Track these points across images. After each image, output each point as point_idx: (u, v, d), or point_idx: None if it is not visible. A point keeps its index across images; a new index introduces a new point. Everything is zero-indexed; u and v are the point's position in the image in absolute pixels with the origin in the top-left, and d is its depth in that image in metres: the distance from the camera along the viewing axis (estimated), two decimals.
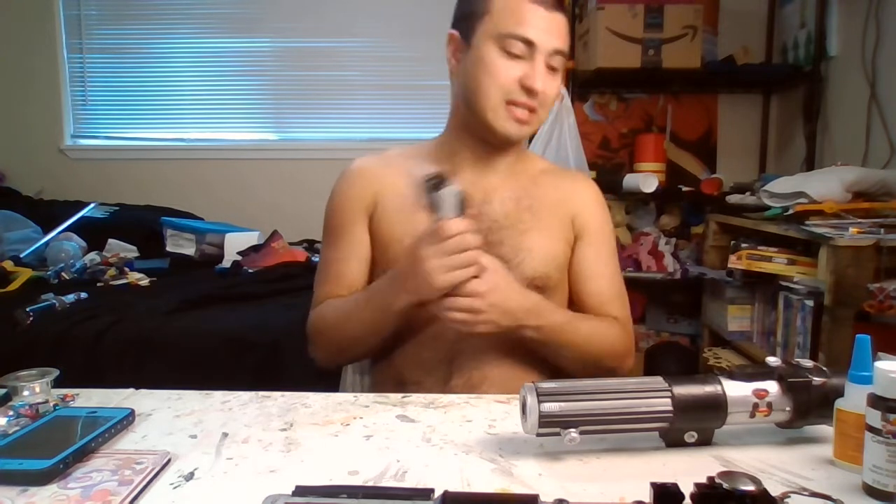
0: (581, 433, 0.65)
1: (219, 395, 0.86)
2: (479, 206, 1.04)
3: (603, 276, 1.08)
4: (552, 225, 1.06)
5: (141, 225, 2.61)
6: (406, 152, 1.12)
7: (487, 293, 0.90)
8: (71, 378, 0.86)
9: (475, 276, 0.90)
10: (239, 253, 2.30)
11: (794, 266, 1.89)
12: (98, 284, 2.07)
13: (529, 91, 0.97)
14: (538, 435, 0.66)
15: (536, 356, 1.03)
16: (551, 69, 0.99)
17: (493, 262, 0.93)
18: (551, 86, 1.00)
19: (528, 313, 0.95)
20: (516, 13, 0.97)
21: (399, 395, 0.87)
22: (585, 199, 1.11)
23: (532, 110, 0.99)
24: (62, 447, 0.65)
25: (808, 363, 0.71)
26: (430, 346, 1.01)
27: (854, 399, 0.63)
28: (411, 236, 0.96)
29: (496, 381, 1.00)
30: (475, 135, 1.05)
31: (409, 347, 1.03)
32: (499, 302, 0.91)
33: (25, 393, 0.80)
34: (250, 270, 2.19)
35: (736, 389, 0.69)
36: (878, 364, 0.60)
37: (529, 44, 0.97)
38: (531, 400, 0.66)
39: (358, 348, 1.06)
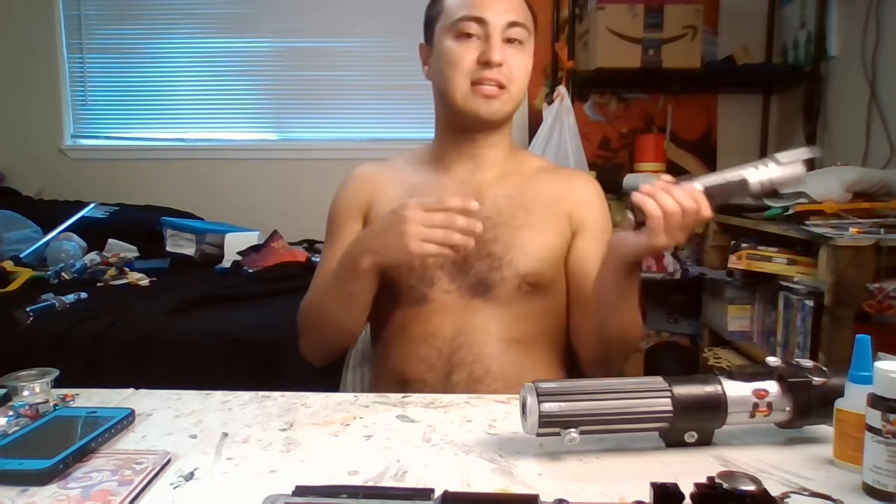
0: (581, 433, 0.65)
1: (219, 395, 0.86)
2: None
3: None
4: (546, 222, 1.06)
5: (141, 225, 2.60)
6: (404, 157, 1.16)
7: None
8: (71, 378, 0.86)
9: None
10: (239, 253, 2.30)
11: (794, 266, 1.89)
12: (98, 284, 2.07)
13: (488, 64, 0.98)
14: (538, 435, 0.66)
15: (537, 348, 1.02)
16: (512, 42, 1.00)
17: None
18: (516, 59, 1.01)
19: None
20: (465, 1, 0.99)
21: (399, 395, 0.87)
22: (582, 195, 1.10)
23: (500, 86, 1.00)
24: (62, 447, 0.65)
25: (808, 363, 0.71)
26: (429, 343, 1.01)
27: (854, 399, 0.63)
28: None
29: (498, 375, 1.00)
30: (457, 131, 1.07)
31: (408, 346, 1.03)
32: None
33: (25, 393, 0.80)
34: (250, 270, 2.18)
35: (736, 389, 0.69)
36: (878, 364, 0.60)
37: (480, 21, 0.99)
38: (531, 400, 0.66)
39: (335, 328, 1.04)
